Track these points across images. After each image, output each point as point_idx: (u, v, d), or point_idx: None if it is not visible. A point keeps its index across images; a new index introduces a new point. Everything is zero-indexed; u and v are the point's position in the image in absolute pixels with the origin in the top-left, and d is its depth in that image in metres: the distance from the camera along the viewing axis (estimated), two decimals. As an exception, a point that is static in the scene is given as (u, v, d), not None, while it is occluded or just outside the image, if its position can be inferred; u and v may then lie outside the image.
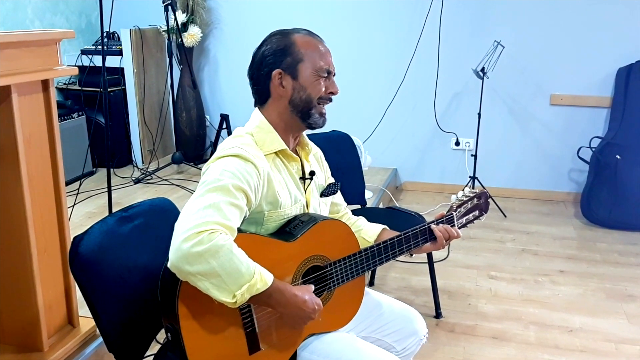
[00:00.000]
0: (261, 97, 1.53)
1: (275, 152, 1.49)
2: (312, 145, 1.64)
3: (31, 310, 1.93)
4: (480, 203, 1.79)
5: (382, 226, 1.74)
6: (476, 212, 1.79)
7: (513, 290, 3.00)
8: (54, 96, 1.93)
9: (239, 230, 1.33)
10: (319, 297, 1.49)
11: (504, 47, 3.90)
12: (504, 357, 2.43)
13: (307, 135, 1.76)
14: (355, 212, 1.85)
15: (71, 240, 1.45)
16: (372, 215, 1.95)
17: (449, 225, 1.66)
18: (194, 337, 1.31)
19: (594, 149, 3.96)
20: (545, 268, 3.25)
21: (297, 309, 1.36)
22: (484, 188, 1.85)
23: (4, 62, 1.69)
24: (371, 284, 3.03)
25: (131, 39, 4.30)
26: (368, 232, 1.72)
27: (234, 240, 1.27)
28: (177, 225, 1.26)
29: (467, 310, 2.80)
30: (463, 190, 1.80)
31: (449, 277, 3.14)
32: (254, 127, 1.50)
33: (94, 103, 4.11)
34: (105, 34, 3.11)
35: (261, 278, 1.27)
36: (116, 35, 4.49)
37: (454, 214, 1.71)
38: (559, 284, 3.06)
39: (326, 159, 1.74)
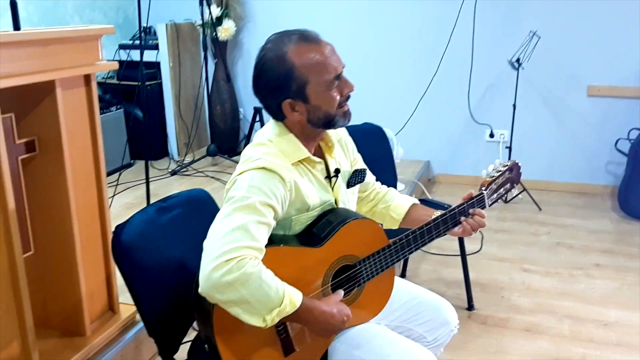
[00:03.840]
0: (276, 117, 1.48)
1: (299, 160, 1.47)
2: (334, 135, 1.59)
3: (74, 297, 2.01)
4: (511, 175, 1.72)
5: (411, 202, 1.72)
6: (507, 185, 1.72)
7: (547, 283, 2.98)
8: (96, 90, 2.00)
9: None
10: (349, 294, 1.51)
11: (539, 38, 3.85)
12: (537, 350, 2.42)
13: None
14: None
15: (112, 229, 1.51)
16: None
17: (478, 210, 1.61)
18: (231, 351, 1.35)
19: (632, 141, 3.88)
20: (581, 261, 3.21)
21: (326, 324, 1.37)
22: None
23: (49, 58, 1.76)
24: (403, 275, 3.04)
25: (167, 34, 4.38)
26: (396, 210, 1.71)
27: (263, 257, 1.28)
28: (206, 246, 1.27)
29: (500, 303, 2.79)
30: (494, 164, 1.72)
31: (482, 269, 3.13)
32: (274, 136, 1.47)
33: (131, 97, 4.20)
34: (142, 29, 3.18)
35: (290, 301, 1.28)
36: (152, 30, 4.58)
37: (485, 192, 1.63)
38: (595, 278, 3.03)
39: (358, 151, 1.72)
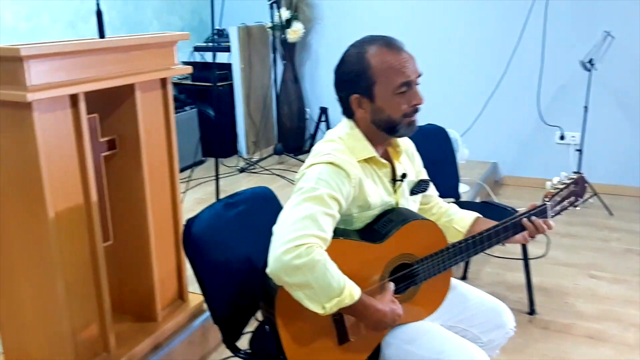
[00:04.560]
0: (346, 112, 1.58)
1: (366, 159, 1.54)
2: (402, 143, 1.66)
3: (148, 284, 2.16)
4: (576, 189, 1.71)
5: (475, 215, 1.74)
6: (572, 199, 1.71)
7: (614, 290, 2.90)
8: (171, 92, 2.14)
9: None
10: (405, 291, 1.56)
11: (613, 38, 3.73)
12: (599, 358, 2.38)
13: None
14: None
15: (184, 223, 1.62)
16: (465, 209, 1.96)
17: (541, 219, 1.63)
18: (289, 333, 1.43)
19: None
20: (652, 270, 3.11)
21: (378, 321, 1.44)
22: (587, 182, 1.77)
23: (130, 63, 1.90)
24: (464, 277, 3.04)
25: (239, 36, 4.53)
26: (460, 223, 1.74)
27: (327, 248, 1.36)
28: (276, 231, 1.36)
29: (563, 309, 2.75)
30: (559, 176, 1.71)
31: (547, 274, 3.08)
32: (344, 134, 1.54)
33: (204, 97, 4.39)
34: (215, 32, 3.32)
35: (350, 294, 1.35)
36: (225, 32, 4.75)
37: (548, 204, 1.65)
38: (666, 287, 2.93)
39: (419, 152, 1.76)
